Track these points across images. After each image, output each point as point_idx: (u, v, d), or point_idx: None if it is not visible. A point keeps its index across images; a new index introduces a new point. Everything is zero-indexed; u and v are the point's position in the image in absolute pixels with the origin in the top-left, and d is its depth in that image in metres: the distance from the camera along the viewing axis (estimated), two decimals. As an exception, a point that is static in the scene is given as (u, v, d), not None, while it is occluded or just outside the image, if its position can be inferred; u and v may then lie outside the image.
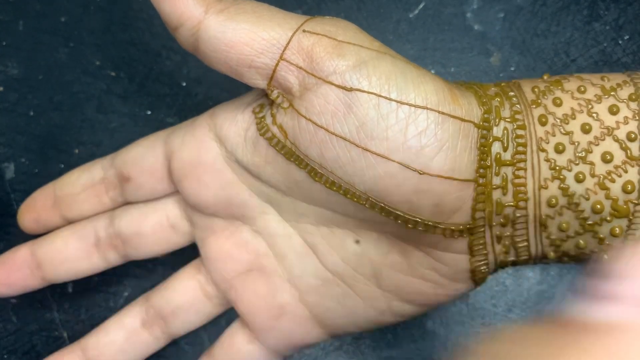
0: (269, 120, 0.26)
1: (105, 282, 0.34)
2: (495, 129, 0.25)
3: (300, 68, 0.24)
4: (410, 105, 0.24)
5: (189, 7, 0.24)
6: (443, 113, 0.24)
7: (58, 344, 0.34)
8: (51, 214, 0.31)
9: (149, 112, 0.35)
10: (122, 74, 0.35)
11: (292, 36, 0.24)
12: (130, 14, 0.36)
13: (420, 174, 0.24)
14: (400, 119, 0.24)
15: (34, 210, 0.31)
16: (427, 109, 0.24)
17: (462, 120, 0.24)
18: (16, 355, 0.33)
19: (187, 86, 0.35)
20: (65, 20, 0.36)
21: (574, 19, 0.34)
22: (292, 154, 0.25)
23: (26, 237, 0.34)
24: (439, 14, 0.35)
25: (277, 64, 0.24)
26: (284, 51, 0.24)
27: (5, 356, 0.33)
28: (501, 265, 0.27)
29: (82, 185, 0.31)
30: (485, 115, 0.25)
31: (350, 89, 0.24)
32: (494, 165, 0.25)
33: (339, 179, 0.25)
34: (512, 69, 0.34)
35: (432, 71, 0.34)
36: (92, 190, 0.31)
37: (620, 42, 0.34)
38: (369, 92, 0.23)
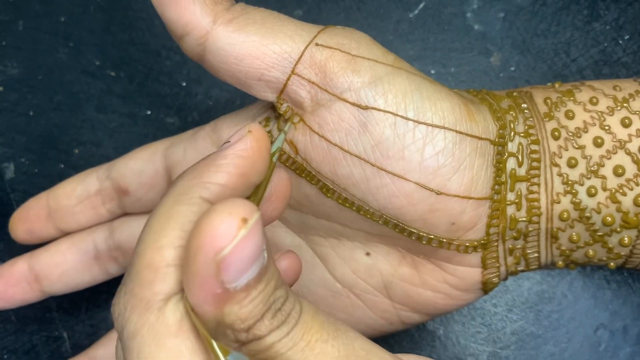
0: (276, 135, 0.25)
1: (105, 282, 0.34)
2: (510, 144, 0.25)
3: (313, 83, 0.23)
4: (428, 125, 0.23)
5: (196, 16, 0.23)
6: (461, 133, 0.23)
7: (58, 344, 0.34)
8: (45, 225, 0.31)
9: (149, 112, 0.35)
10: (122, 74, 0.35)
11: (304, 50, 0.23)
12: (130, 14, 0.36)
13: (438, 194, 0.23)
14: (417, 139, 0.23)
15: (27, 221, 0.31)
16: (445, 128, 0.23)
17: (480, 138, 0.24)
18: (16, 354, 0.33)
19: (187, 86, 0.35)
20: (65, 20, 0.36)
21: (574, 19, 0.34)
22: (303, 170, 0.25)
23: (26, 237, 0.34)
24: (439, 14, 0.35)
25: (288, 78, 0.23)
26: (295, 65, 0.23)
27: (5, 356, 0.33)
28: (511, 274, 0.27)
29: (78, 197, 0.30)
30: (501, 131, 0.24)
31: (366, 107, 0.23)
32: (509, 181, 0.25)
33: (351, 196, 0.24)
34: (512, 68, 0.34)
35: (432, 71, 0.34)
36: (88, 202, 0.30)
37: (620, 42, 0.34)
38: (385, 111, 0.23)
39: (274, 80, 0.24)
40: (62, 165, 0.35)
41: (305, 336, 0.18)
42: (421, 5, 0.35)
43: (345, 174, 0.24)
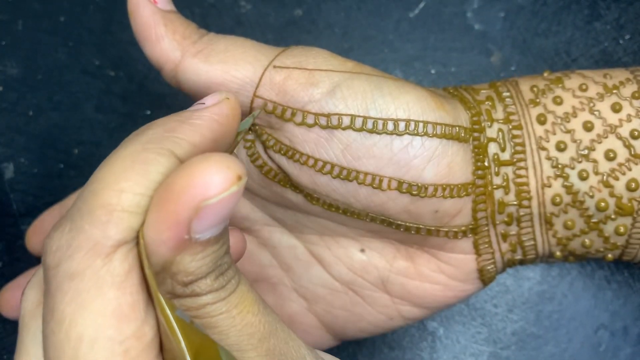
0: (259, 147, 0.26)
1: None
2: (488, 130, 0.25)
3: (275, 103, 0.24)
4: (391, 120, 0.23)
5: (166, 51, 0.25)
6: (426, 122, 0.24)
7: (57, 345, 0.33)
8: None
9: (149, 112, 0.35)
10: (121, 73, 0.35)
11: (262, 74, 0.24)
12: (130, 14, 0.36)
13: (413, 194, 0.24)
14: (383, 135, 0.23)
15: (40, 233, 0.31)
16: (409, 120, 0.23)
17: (451, 126, 0.24)
18: (16, 355, 0.33)
19: (187, 86, 0.35)
20: (64, 20, 0.36)
21: (574, 19, 0.34)
22: (287, 181, 0.25)
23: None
24: (439, 13, 0.35)
25: (252, 102, 0.25)
26: (256, 89, 0.24)
27: (5, 356, 0.33)
28: (509, 264, 0.27)
29: None
30: (474, 119, 0.25)
31: (328, 115, 0.24)
32: (493, 165, 0.25)
33: (335, 201, 0.25)
34: (513, 68, 0.34)
35: (433, 71, 0.34)
36: None
37: (621, 41, 0.34)
38: (346, 115, 0.23)
39: (241, 105, 0.25)
40: (62, 165, 0.35)
41: (239, 305, 0.19)
42: (421, 5, 0.35)
43: (323, 182, 0.24)
